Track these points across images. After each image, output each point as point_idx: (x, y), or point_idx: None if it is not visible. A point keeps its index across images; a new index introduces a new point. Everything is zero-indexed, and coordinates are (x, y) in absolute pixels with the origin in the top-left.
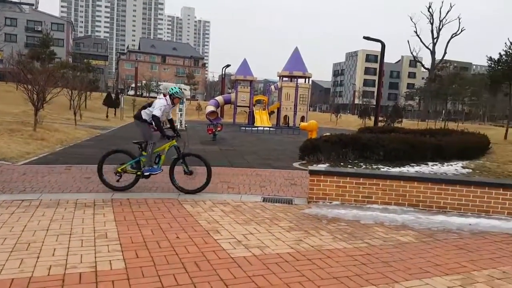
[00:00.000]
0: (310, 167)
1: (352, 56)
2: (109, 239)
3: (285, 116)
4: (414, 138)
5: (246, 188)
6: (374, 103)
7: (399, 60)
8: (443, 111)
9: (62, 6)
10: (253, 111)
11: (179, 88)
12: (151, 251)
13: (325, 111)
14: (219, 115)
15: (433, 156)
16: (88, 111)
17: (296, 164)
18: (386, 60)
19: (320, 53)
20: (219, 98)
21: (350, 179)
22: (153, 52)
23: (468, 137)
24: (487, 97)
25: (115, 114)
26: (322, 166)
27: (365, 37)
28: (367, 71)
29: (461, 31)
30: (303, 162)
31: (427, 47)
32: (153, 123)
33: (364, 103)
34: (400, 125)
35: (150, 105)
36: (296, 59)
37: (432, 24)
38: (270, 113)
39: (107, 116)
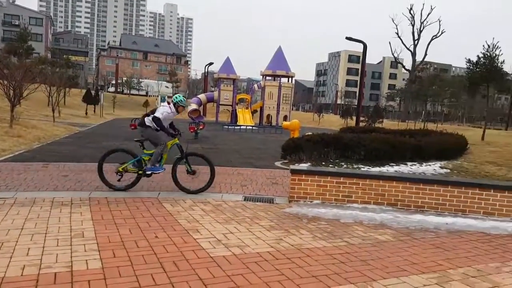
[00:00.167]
0: (292, 166)
1: (335, 56)
2: (86, 239)
3: (268, 115)
4: (394, 138)
5: (228, 187)
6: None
7: (381, 61)
8: (423, 112)
9: (41, 0)
10: (236, 110)
11: (183, 96)
12: (129, 250)
13: (308, 111)
14: (201, 114)
15: (412, 156)
16: (67, 107)
17: (278, 163)
18: (368, 61)
19: (303, 53)
20: (202, 96)
21: (331, 178)
22: (134, 49)
23: (446, 137)
24: (466, 99)
25: (94, 111)
26: (303, 166)
27: (347, 38)
28: (349, 71)
29: (441, 33)
30: (285, 161)
31: (408, 49)
32: (155, 124)
33: (346, 103)
34: (381, 125)
35: (153, 112)
36: (279, 58)
37: (413, 26)
38: (253, 112)
39: (86, 113)
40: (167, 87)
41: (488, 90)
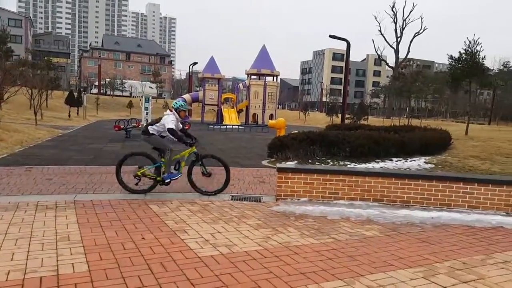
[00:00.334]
0: (278, 165)
1: (319, 54)
2: (71, 242)
3: (254, 114)
4: (379, 134)
5: (214, 187)
6: (341, 101)
7: (365, 59)
8: (407, 108)
9: (20, 1)
10: (221, 109)
11: (182, 101)
12: (115, 253)
13: (294, 109)
14: (186, 114)
15: (397, 152)
16: (50, 110)
17: (264, 162)
18: (352, 58)
19: (288, 52)
20: (187, 96)
21: (317, 176)
22: (117, 49)
23: (430, 133)
24: (449, 94)
25: (77, 113)
26: (290, 164)
27: (331, 36)
28: (334, 69)
29: (424, 30)
30: (272, 160)
31: (391, 46)
32: (172, 137)
33: (332, 101)
34: (366, 122)
35: (157, 121)
36: (264, 57)
37: (395, 23)
38: (239, 111)
39: (69, 115)
40: (151, 87)
41: (470, 85)
